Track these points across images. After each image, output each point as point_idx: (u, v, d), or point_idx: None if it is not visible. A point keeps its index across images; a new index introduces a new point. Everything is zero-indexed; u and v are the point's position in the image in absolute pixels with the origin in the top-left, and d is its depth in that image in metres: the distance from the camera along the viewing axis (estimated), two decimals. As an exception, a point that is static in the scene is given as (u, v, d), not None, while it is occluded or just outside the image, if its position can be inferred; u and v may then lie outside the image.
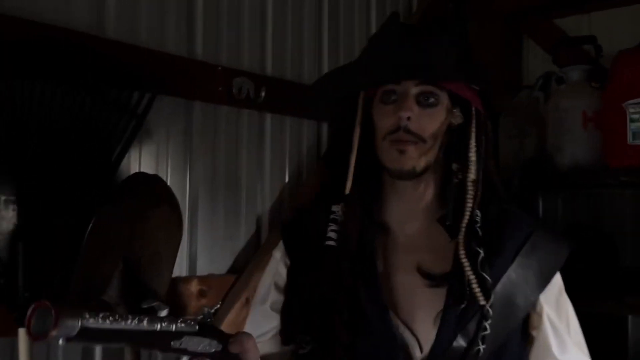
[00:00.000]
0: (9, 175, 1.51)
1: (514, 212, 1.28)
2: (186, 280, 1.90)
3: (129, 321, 0.89)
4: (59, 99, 1.58)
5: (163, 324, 0.92)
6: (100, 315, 0.85)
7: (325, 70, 2.37)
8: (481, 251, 1.18)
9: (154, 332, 0.92)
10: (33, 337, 0.83)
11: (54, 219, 1.56)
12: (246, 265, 2.06)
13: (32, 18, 1.59)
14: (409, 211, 1.26)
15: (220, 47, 2.05)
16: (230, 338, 1.05)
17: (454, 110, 1.22)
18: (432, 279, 1.18)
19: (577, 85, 2.40)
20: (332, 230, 1.22)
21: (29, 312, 0.83)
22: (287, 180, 2.25)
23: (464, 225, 1.19)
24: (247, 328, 1.27)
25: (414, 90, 1.19)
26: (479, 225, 1.21)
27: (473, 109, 1.23)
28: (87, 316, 0.84)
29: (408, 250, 1.23)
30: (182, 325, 0.95)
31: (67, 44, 1.63)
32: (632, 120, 2.16)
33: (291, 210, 2.16)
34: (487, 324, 1.15)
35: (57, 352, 1.64)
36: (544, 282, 1.23)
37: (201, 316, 1.02)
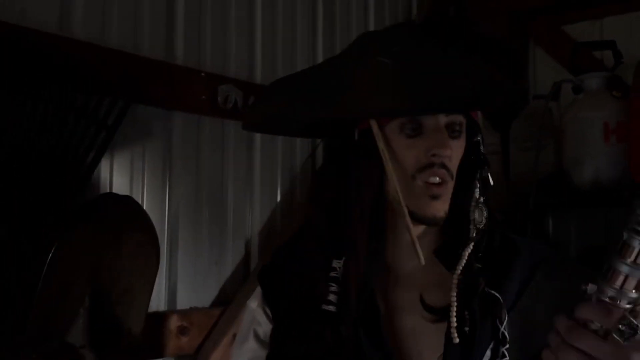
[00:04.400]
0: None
1: (521, 240, 1.13)
2: (164, 315, 1.69)
3: None
4: (14, 108, 1.38)
5: None
6: None
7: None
8: (486, 277, 1.05)
9: None
10: None
11: (8, 247, 1.36)
12: (234, 296, 1.86)
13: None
14: (408, 247, 1.08)
15: (204, 51, 1.86)
16: None
17: (477, 138, 1.09)
18: (436, 313, 1.05)
19: (597, 94, 2.24)
20: (332, 292, 1.04)
21: None
22: (279, 199, 2.07)
23: (466, 253, 1.05)
24: None
25: (445, 120, 1.04)
26: (480, 253, 1.08)
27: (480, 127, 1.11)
28: None
29: (408, 288, 1.09)
30: None
31: (25, 45, 1.44)
32: (660, 132, 1.98)
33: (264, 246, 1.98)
34: (504, 350, 1.01)
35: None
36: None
37: None
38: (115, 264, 1.48)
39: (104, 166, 1.59)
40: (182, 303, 1.76)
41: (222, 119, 1.88)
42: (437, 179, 1.03)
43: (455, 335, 1.00)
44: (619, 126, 2.14)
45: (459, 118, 1.04)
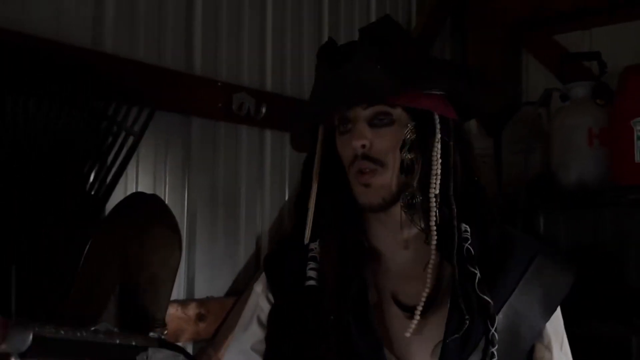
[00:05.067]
0: (1, 197, 1.44)
1: (517, 235, 1.21)
2: (184, 303, 1.84)
3: (84, 333, 0.83)
4: (54, 116, 1.51)
5: (121, 338, 0.86)
6: (53, 326, 0.78)
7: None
8: (477, 271, 1.10)
9: (116, 345, 0.85)
10: None
11: (48, 242, 1.49)
12: (246, 287, 1.99)
13: (24, 30, 1.54)
14: (396, 239, 1.18)
15: (220, 62, 2.01)
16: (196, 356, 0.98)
17: (409, 125, 1.13)
18: (404, 309, 1.12)
19: (582, 102, 2.39)
20: (311, 269, 1.16)
21: None
22: (287, 198, 2.21)
23: (433, 243, 1.11)
24: None
25: (365, 113, 1.12)
26: (469, 242, 1.13)
27: (436, 117, 1.14)
28: (39, 328, 0.76)
29: (398, 282, 1.16)
30: (142, 339, 0.89)
31: (62, 59, 1.58)
32: (639, 138, 2.13)
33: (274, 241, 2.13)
34: (494, 350, 1.07)
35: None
36: (549, 311, 1.17)
37: (154, 334, 0.96)
38: (142, 256, 1.60)
39: (131, 167, 1.73)
40: (200, 292, 1.91)
41: (237, 125, 2.02)
42: (366, 169, 1.12)
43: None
44: (602, 132, 2.29)
45: (381, 108, 1.11)
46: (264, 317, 1.24)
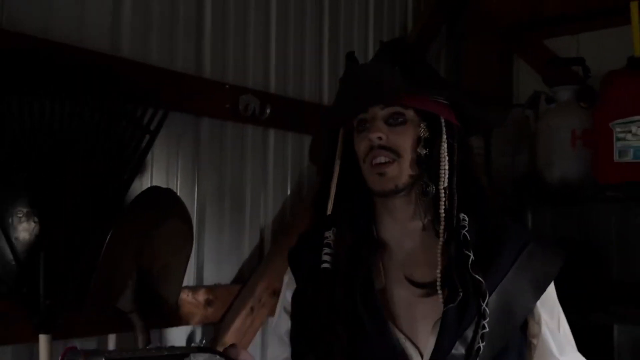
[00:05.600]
0: (30, 189, 1.57)
1: (511, 225, 1.35)
2: (194, 289, 1.97)
3: (140, 352, 1.01)
4: (78, 116, 1.65)
5: (168, 350, 1.03)
6: (117, 352, 0.96)
7: (325, 87, 2.49)
8: (470, 254, 1.24)
9: (165, 356, 1.02)
10: None
11: (73, 231, 1.62)
12: (250, 276, 2.14)
13: (53, 38, 1.67)
14: (405, 229, 1.32)
15: (227, 66, 2.14)
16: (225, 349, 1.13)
17: (421, 125, 1.28)
18: (420, 287, 1.25)
19: (567, 105, 2.51)
20: (326, 254, 1.31)
21: (61, 355, 0.93)
22: (289, 193, 2.34)
23: (441, 229, 1.26)
24: (268, 352, 1.36)
25: (382, 113, 1.28)
26: (466, 229, 1.26)
27: (442, 120, 1.29)
28: (108, 353, 0.94)
29: (407, 266, 1.29)
30: (184, 348, 1.07)
31: (84, 63, 1.70)
32: (618, 139, 2.26)
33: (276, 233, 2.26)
34: (485, 323, 1.20)
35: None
36: (540, 290, 1.29)
37: (193, 344, 1.14)
38: (158, 245, 1.74)
39: (146, 163, 1.86)
40: (208, 279, 2.04)
41: (242, 124, 2.15)
42: (382, 158, 1.26)
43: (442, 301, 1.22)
44: (585, 133, 2.42)
45: (395, 109, 1.27)
46: (289, 307, 1.39)
